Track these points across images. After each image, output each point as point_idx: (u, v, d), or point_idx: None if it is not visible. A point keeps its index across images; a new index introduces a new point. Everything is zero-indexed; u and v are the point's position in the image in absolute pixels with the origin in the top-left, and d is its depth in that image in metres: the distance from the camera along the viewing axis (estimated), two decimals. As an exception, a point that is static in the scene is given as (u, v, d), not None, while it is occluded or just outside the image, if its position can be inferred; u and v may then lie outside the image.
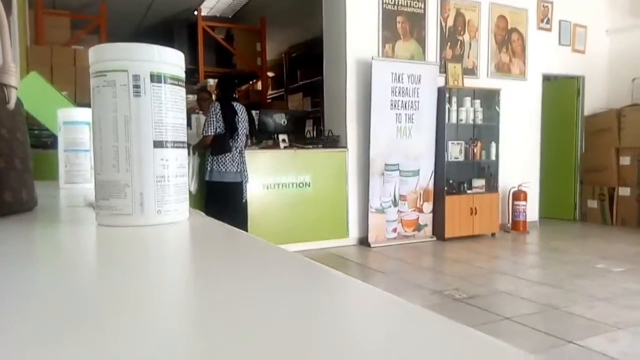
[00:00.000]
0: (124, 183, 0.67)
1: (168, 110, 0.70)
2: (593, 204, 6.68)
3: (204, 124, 4.30)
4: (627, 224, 6.26)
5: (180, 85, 0.72)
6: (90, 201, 0.89)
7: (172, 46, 0.72)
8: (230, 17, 7.55)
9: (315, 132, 6.11)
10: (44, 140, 2.69)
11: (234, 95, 4.67)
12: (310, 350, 0.25)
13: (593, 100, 6.88)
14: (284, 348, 0.25)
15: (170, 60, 0.71)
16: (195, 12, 6.94)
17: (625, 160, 6.31)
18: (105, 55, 0.70)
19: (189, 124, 4.49)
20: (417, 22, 5.64)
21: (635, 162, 6.20)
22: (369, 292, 0.38)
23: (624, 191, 6.32)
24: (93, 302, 0.34)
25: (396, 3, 5.49)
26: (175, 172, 0.71)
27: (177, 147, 0.71)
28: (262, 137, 5.19)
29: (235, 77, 5.07)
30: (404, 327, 0.29)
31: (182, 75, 0.73)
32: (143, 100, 0.68)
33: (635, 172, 6.21)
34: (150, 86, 0.68)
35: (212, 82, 6.17)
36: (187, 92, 6.03)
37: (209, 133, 4.25)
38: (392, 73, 5.22)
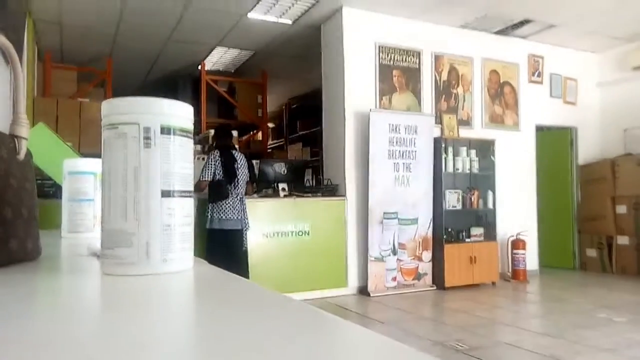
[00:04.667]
0: (131, 232, 0.69)
1: (176, 160, 0.72)
2: (592, 252, 6.64)
3: (202, 170, 4.35)
4: (627, 272, 6.20)
5: (189, 137, 0.76)
6: (94, 250, 0.90)
7: (177, 99, 0.76)
8: (232, 71, 7.80)
9: (314, 181, 6.16)
10: (46, 190, 2.72)
11: (232, 143, 4.75)
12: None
13: (586, 151, 7.00)
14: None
15: (180, 113, 0.75)
16: (199, 67, 7.17)
17: (622, 209, 6.34)
18: (118, 109, 0.73)
19: None
20: (412, 76, 5.82)
21: (632, 211, 6.23)
22: (374, 339, 0.39)
23: (622, 240, 6.30)
24: (95, 352, 0.35)
25: (392, 58, 5.70)
26: (181, 221, 0.72)
27: (183, 196, 0.73)
28: (262, 186, 5.23)
29: (231, 126, 5.18)
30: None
31: (191, 127, 0.77)
32: (153, 151, 0.71)
33: (632, 220, 6.22)
34: (160, 138, 0.71)
35: (212, 132, 6.29)
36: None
37: (205, 178, 4.29)
38: (390, 124, 5.34)
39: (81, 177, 1.45)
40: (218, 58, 7.25)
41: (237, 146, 5.28)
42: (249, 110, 7.51)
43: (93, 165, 1.42)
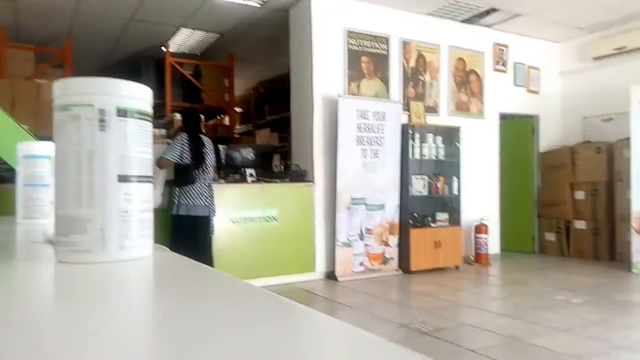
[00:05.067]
0: (85, 218, 0.67)
1: (133, 144, 0.70)
2: (551, 236, 6.89)
3: (168, 149, 4.24)
4: (584, 256, 6.47)
5: (147, 120, 0.73)
6: (49, 237, 0.87)
7: (139, 81, 0.73)
8: (198, 54, 7.62)
9: (282, 167, 6.13)
10: (1, 175, 2.61)
11: (201, 128, 4.65)
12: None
13: (548, 138, 7.21)
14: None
15: (137, 94, 0.72)
16: (164, 49, 6.97)
17: (580, 195, 6.59)
18: (71, 89, 0.70)
19: None
20: (380, 62, 5.84)
21: (589, 197, 6.48)
22: (332, 325, 0.38)
23: (580, 224, 6.57)
24: (49, 342, 0.33)
25: (360, 44, 5.69)
26: (140, 207, 0.70)
27: (142, 181, 0.71)
28: (229, 171, 5.17)
29: (199, 110, 5.06)
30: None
31: (149, 109, 0.74)
32: (108, 134, 0.68)
33: (589, 205, 6.48)
34: (116, 120, 0.69)
35: (178, 116, 6.14)
36: (154, 126, 6.01)
37: (168, 158, 4.18)
38: (358, 110, 5.35)
39: (36, 161, 1.39)
40: (183, 40, 7.07)
41: (204, 131, 5.18)
42: (215, 94, 7.38)
43: (49, 148, 1.37)
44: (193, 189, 4.22)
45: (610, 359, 2.85)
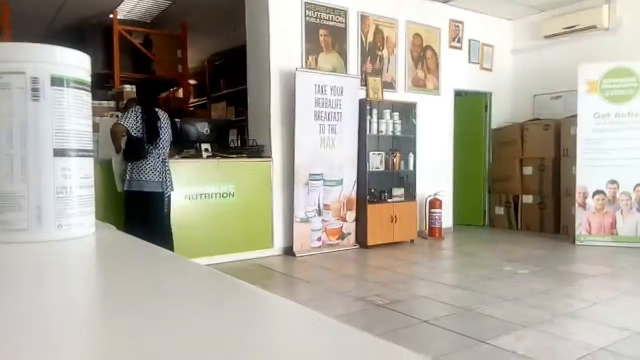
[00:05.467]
0: (19, 195, 0.62)
1: (71, 116, 0.65)
2: (500, 210, 7.18)
3: (121, 118, 4.08)
4: (531, 229, 6.79)
5: (86, 90, 0.68)
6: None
7: (85, 51, 0.68)
8: (149, 21, 7.27)
9: (239, 142, 6.03)
10: None
11: (156, 101, 4.47)
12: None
13: (499, 115, 7.43)
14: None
15: (74, 62, 0.67)
16: (111, 15, 6.62)
17: (528, 170, 6.87)
18: (1, 56, 0.64)
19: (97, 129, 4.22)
20: (338, 35, 5.78)
21: (537, 172, 6.77)
22: (276, 303, 0.37)
23: (527, 199, 6.86)
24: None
25: (318, 17, 5.60)
26: (79, 183, 0.66)
27: (81, 155, 0.66)
28: (184, 146, 5.02)
29: (155, 83, 4.86)
30: (311, 337, 0.29)
31: (88, 79, 0.69)
32: (42, 105, 0.63)
33: (536, 181, 6.77)
34: (51, 90, 0.63)
35: (128, 87, 5.90)
36: (102, 98, 5.73)
37: (122, 122, 4.02)
38: (315, 85, 5.30)
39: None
40: (132, 6, 6.72)
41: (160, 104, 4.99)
42: (168, 65, 7.11)
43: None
44: (145, 164, 4.08)
45: (554, 326, 3.02)
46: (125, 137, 4.07)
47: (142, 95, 4.33)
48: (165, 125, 4.25)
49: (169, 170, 4.25)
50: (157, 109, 4.26)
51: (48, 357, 0.26)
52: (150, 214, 4.10)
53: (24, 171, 0.62)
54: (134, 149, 4.06)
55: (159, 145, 4.16)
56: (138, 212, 4.03)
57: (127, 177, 4.08)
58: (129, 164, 4.09)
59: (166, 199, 4.24)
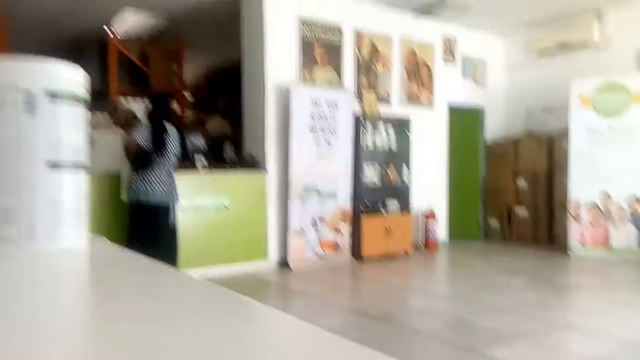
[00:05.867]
0: (11, 207, 0.62)
1: (65, 129, 0.66)
2: (494, 223, 7.20)
3: (137, 134, 4.11)
4: (525, 240, 6.81)
5: (80, 103, 0.69)
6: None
7: (83, 65, 0.69)
8: (145, 38, 7.32)
9: (234, 155, 6.02)
10: None
11: (167, 114, 4.45)
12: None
13: (493, 129, 7.49)
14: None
15: (69, 76, 0.68)
16: (108, 30, 6.66)
17: (522, 183, 6.91)
18: (-5, 70, 0.65)
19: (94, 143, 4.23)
20: (334, 51, 5.84)
21: (531, 185, 6.81)
22: (270, 315, 0.38)
23: (521, 210, 6.89)
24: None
25: (314, 34, 5.67)
26: (73, 196, 0.67)
27: (75, 169, 0.67)
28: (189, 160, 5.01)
29: (168, 96, 4.82)
30: (305, 350, 0.30)
31: (83, 92, 0.70)
32: (37, 118, 0.64)
33: (530, 193, 6.81)
34: (46, 103, 0.65)
35: (124, 101, 5.92)
36: (99, 112, 5.73)
37: (136, 137, 4.05)
38: (311, 98, 5.34)
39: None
40: (129, 26, 6.76)
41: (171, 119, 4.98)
42: (164, 79, 7.15)
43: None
44: (150, 174, 4.08)
45: (548, 337, 3.02)
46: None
47: (154, 110, 4.34)
48: (173, 138, 4.26)
49: (174, 182, 4.25)
50: (165, 123, 4.28)
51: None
52: (154, 225, 4.08)
53: (17, 184, 0.63)
54: (139, 158, 4.08)
55: (165, 157, 4.16)
56: (142, 224, 4.02)
57: (133, 188, 4.09)
58: (134, 174, 4.11)
59: (171, 210, 4.23)
